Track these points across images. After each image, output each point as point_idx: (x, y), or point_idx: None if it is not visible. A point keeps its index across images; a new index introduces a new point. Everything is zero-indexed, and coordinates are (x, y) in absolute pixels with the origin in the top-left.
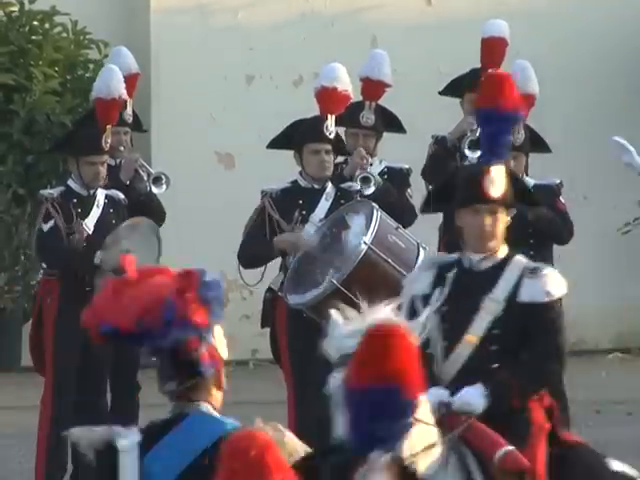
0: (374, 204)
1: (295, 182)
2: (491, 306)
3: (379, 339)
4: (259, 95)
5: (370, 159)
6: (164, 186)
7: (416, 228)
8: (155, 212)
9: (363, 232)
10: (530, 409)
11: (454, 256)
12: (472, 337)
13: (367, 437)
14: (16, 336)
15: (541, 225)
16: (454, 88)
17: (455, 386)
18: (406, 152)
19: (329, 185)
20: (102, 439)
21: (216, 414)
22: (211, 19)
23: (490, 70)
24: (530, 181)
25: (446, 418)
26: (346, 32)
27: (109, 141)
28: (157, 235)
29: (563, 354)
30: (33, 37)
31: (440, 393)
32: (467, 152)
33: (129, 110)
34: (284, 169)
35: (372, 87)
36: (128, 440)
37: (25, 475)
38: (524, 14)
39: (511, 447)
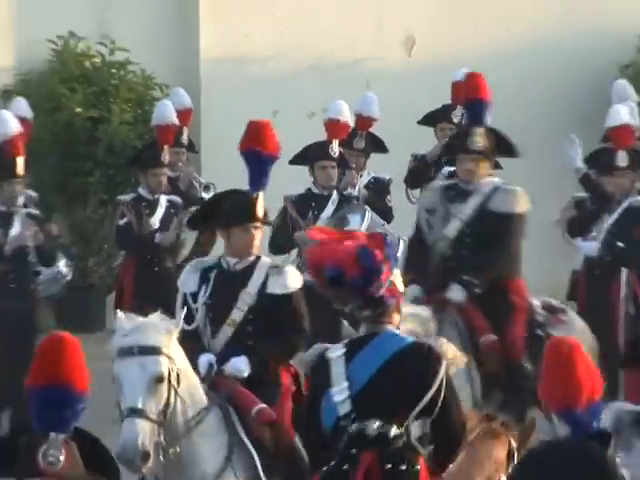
0: (366, 206)
1: (309, 190)
2: (246, 298)
3: (53, 346)
4: (283, 124)
5: (361, 172)
6: (212, 193)
7: (398, 225)
8: None
9: (358, 227)
10: (280, 376)
11: (214, 259)
12: (231, 321)
13: (44, 423)
14: (102, 305)
15: None
16: (429, 119)
17: (222, 357)
18: (390, 166)
19: (334, 192)
20: (316, 354)
21: (397, 332)
22: (246, 67)
23: (252, 121)
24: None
25: (215, 380)
26: (346, 77)
27: (167, 158)
28: None
29: (304, 331)
30: (112, 81)
31: (210, 357)
32: (447, 167)
33: (185, 136)
34: (302, 180)
35: (363, 121)
36: (336, 353)
37: None
38: (488, 61)
39: (263, 405)
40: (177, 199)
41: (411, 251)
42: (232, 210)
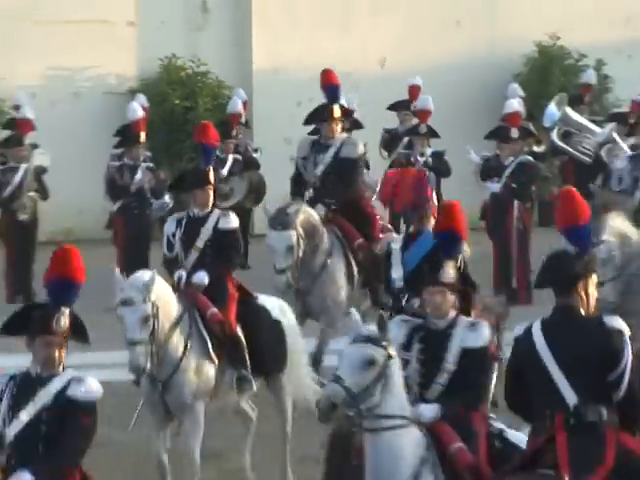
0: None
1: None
2: (205, 232)
3: (65, 253)
4: (303, 111)
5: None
6: (259, 153)
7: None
8: (255, 164)
9: None
10: (227, 285)
11: (184, 212)
12: (196, 248)
13: (58, 299)
14: None
15: (436, 166)
16: (394, 107)
17: (191, 272)
18: (366, 136)
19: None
20: (386, 244)
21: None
22: (280, 75)
23: (200, 123)
24: (429, 150)
25: (185, 288)
26: (343, 81)
27: (235, 133)
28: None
29: (240, 254)
30: (198, 84)
31: (182, 273)
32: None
33: (243, 118)
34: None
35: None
36: (396, 246)
37: None
38: (430, 73)
39: (215, 309)
40: (239, 157)
41: (294, 184)
42: (193, 179)
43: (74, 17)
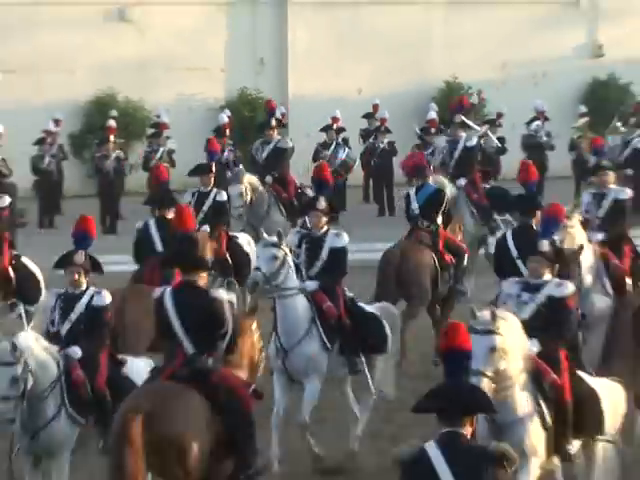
0: (345, 146)
1: (325, 141)
2: (207, 202)
3: (84, 218)
4: (316, 117)
5: (336, 137)
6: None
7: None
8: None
9: (342, 154)
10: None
11: (195, 189)
12: (202, 211)
13: (78, 245)
14: None
15: (390, 149)
16: (367, 116)
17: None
18: (348, 134)
19: (334, 142)
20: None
21: (431, 182)
22: (303, 99)
23: (209, 137)
24: (386, 140)
25: None
26: (336, 104)
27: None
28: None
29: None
30: (258, 103)
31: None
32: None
33: (284, 121)
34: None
35: (336, 119)
36: (412, 191)
37: None
38: (386, 97)
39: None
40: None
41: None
42: (201, 169)
43: (188, 65)
